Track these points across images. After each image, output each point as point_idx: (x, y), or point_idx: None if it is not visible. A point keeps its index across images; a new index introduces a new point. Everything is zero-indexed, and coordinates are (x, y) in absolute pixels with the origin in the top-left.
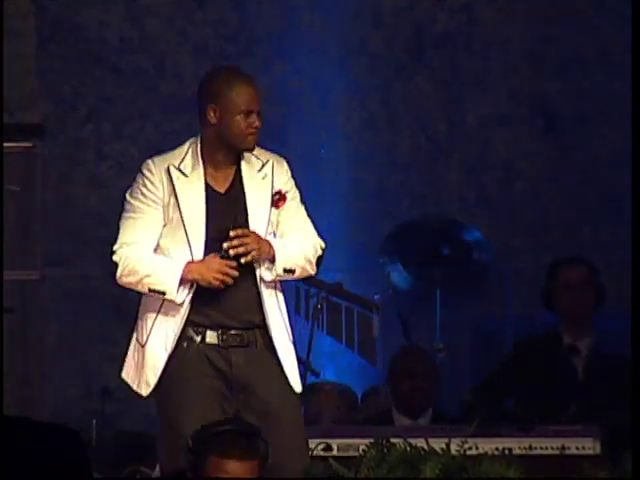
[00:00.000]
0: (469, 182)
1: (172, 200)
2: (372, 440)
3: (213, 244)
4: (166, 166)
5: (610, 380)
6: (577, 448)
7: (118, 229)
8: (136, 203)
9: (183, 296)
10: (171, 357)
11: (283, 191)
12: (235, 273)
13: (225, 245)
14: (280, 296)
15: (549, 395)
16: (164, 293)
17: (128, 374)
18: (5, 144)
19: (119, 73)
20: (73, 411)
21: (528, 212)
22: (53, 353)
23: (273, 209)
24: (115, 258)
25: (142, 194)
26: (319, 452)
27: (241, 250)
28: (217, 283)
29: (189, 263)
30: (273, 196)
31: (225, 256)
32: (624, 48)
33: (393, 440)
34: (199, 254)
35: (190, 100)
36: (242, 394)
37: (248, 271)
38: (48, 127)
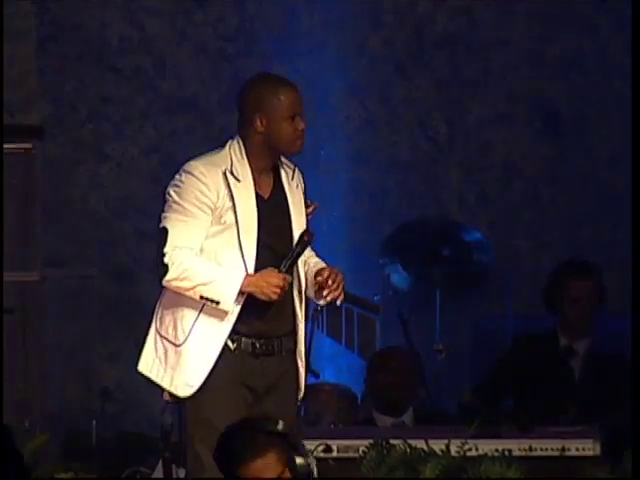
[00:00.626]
0: (469, 182)
1: (228, 204)
2: (372, 441)
3: (262, 248)
4: (220, 171)
5: (607, 380)
6: (577, 449)
7: (165, 231)
8: (188, 206)
9: (234, 306)
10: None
11: (309, 201)
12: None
13: (325, 292)
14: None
15: (547, 396)
16: (218, 302)
17: (150, 370)
18: (5, 145)
19: (119, 73)
20: (73, 411)
21: (528, 212)
22: (53, 353)
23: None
24: (166, 260)
25: (196, 198)
26: (319, 453)
27: (337, 294)
28: (275, 297)
29: (248, 276)
30: (306, 206)
31: (283, 270)
32: (624, 48)
33: (393, 441)
34: (251, 258)
35: (190, 100)
36: (259, 400)
37: (292, 278)
38: (48, 127)
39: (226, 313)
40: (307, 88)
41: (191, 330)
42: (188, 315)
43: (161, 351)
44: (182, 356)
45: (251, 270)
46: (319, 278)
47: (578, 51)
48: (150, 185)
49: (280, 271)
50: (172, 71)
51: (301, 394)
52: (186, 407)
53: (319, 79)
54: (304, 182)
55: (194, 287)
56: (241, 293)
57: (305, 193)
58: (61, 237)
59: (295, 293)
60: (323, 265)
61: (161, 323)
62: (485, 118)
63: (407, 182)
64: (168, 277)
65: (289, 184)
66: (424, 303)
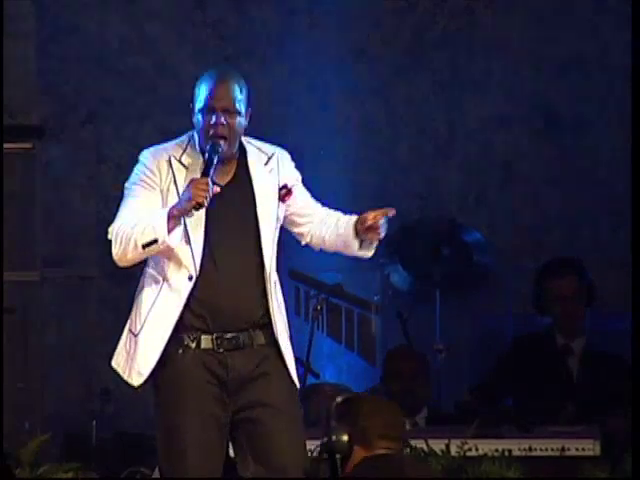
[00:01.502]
0: (469, 183)
1: (172, 187)
2: None
3: (211, 233)
4: (166, 157)
5: (605, 379)
6: (577, 449)
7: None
8: (133, 187)
9: (177, 239)
10: (168, 361)
11: (289, 185)
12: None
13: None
14: (279, 293)
15: (546, 394)
16: (156, 240)
17: (119, 364)
18: (5, 145)
19: (119, 74)
20: (73, 412)
21: (528, 213)
22: (53, 354)
23: (280, 203)
24: (109, 237)
25: (139, 179)
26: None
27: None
28: (202, 200)
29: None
30: (280, 190)
31: (206, 173)
32: (624, 48)
33: None
34: (198, 241)
35: (190, 101)
36: (239, 394)
37: (254, 267)
38: (48, 128)
39: (177, 296)
40: (307, 89)
41: (146, 318)
42: (145, 302)
43: (128, 343)
44: (137, 344)
45: (199, 254)
46: (368, 221)
47: (578, 51)
48: None
49: (203, 175)
50: (172, 72)
51: (297, 385)
52: (154, 410)
53: (319, 80)
54: (293, 166)
55: (135, 243)
56: (173, 219)
57: (298, 177)
58: (61, 237)
59: (268, 280)
60: (350, 217)
61: (130, 317)
62: (485, 118)
63: (407, 182)
64: (113, 251)
65: (259, 170)
66: (424, 303)
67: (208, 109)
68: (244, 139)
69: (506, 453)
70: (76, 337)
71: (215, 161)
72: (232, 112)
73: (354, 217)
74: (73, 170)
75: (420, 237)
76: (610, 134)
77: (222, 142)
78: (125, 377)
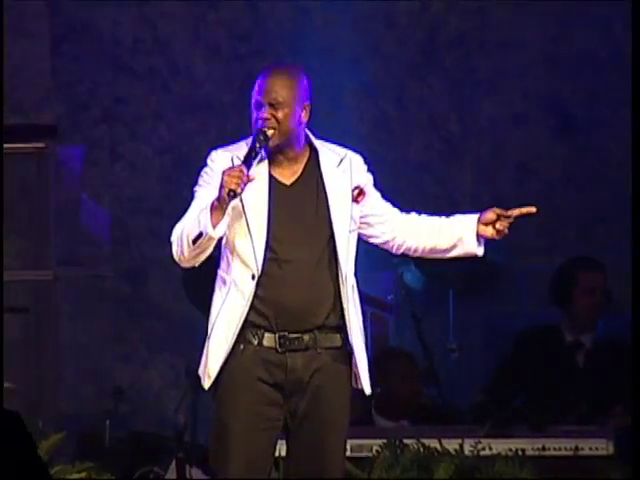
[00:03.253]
0: (482, 182)
1: None
2: (385, 441)
3: (275, 233)
4: (229, 156)
5: (616, 371)
6: (590, 449)
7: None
8: (197, 189)
9: (222, 230)
10: (229, 357)
11: (362, 186)
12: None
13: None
14: (357, 297)
15: (556, 391)
16: (201, 234)
17: (200, 370)
18: (18, 145)
19: (132, 74)
20: (86, 411)
21: (542, 212)
22: (66, 353)
23: (354, 204)
24: (171, 239)
25: (203, 181)
26: None
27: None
28: (235, 186)
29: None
30: (353, 191)
31: (249, 160)
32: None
33: (406, 441)
34: (261, 240)
35: (203, 100)
36: (292, 399)
37: (325, 268)
38: (62, 128)
39: (242, 297)
40: (320, 88)
41: (215, 321)
42: (215, 305)
43: (205, 347)
44: (208, 348)
45: (261, 252)
46: (515, 214)
47: (593, 51)
48: (163, 185)
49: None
50: (185, 71)
51: (368, 391)
52: (214, 404)
53: (332, 79)
54: (365, 169)
55: (187, 240)
56: (216, 210)
57: (370, 179)
58: (75, 236)
59: (344, 281)
60: (463, 216)
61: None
62: (499, 118)
63: (420, 182)
64: (173, 252)
65: (331, 171)
66: (437, 302)
67: (256, 104)
68: (317, 141)
69: (519, 453)
70: (90, 336)
71: (257, 150)
72: (278, 106)
73: (469, 216)
74: (87, 169)
75: None
76: (624, 133)
77: (269, 133)
78: (202, 382)
